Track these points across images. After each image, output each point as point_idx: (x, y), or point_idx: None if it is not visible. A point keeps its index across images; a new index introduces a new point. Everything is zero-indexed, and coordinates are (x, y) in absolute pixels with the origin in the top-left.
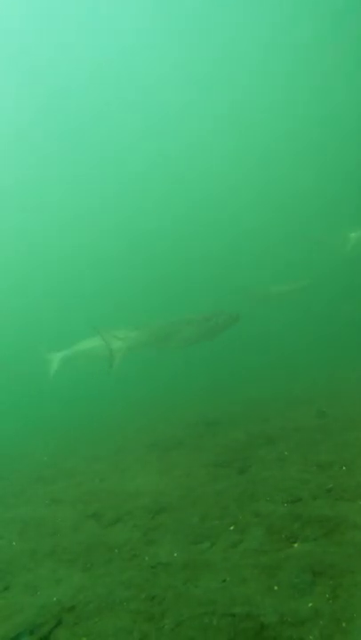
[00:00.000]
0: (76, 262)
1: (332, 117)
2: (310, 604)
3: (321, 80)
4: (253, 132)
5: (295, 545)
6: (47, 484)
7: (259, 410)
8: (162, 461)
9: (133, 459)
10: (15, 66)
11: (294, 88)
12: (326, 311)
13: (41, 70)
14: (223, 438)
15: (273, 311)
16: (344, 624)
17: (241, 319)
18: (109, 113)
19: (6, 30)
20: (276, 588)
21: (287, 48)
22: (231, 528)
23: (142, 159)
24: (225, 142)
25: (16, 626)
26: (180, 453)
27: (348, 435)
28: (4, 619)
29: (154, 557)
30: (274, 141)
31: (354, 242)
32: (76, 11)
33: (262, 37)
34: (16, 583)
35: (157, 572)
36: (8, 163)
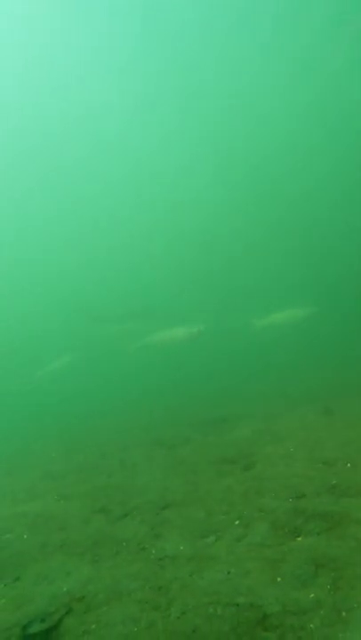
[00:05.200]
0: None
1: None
2: (312, 595)
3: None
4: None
5: (298, 539)
6: (56, 480)
7: (266, 407)
8: (169, 458)
9: (141, 455)
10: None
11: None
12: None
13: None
14: (230, 435)
15: None
16: (344, 613)
17: None
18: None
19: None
20: (279, 579)
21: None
22: (236, 523)
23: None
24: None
25: (28, 614)
26: (186, 450)
27: (354, 431)
28: (16, 607)
29: (160, 550)
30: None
31: None
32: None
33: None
34: (27, 574)
35: (164, 564)
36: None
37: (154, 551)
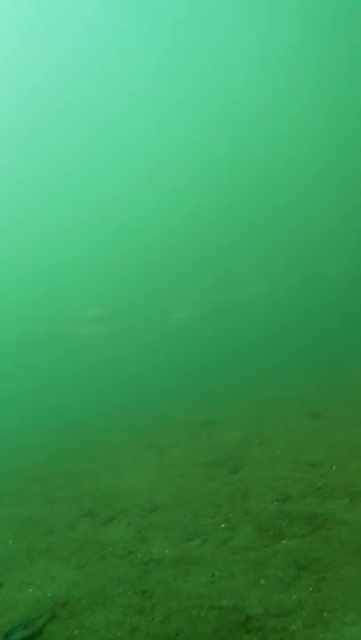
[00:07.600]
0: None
1: None
2: (295, 597)
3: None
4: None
5: (283, 541)
6: (43, 484)
7: (255, 410)
8: (157, 461)
9: (129, 458)
10: (13, 79)
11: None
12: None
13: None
14: (219, 438)
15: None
16: (326, 615)
17: None
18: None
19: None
20: (262, 582)
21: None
22: (222, 526)
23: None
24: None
25: (11, 620)
26: (175, 453)
27: (341, 434)
28: None
29: (146, 554)
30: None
31: None
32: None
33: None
34: (11, 580)
35: (149, 568)
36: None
37: (139, 555)
